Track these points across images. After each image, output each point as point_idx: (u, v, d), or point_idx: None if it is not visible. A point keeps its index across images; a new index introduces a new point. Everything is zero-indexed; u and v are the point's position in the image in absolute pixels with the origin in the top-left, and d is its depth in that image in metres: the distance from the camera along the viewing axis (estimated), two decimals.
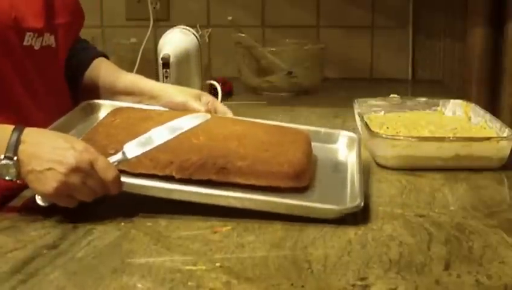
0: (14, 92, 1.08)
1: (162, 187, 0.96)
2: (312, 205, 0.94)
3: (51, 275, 0.77)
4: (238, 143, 1.04)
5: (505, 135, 1.18)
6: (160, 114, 1.14)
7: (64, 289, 0.74)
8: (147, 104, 1.25)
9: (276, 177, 0.98)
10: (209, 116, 1.03)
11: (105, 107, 1.23)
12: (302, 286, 0.74)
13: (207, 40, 1.74)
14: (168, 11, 2.16)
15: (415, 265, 0.79)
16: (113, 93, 1.29)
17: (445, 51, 2.03)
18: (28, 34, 1.07)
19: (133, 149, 0.95)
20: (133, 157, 0.95)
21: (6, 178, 0.90)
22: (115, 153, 0.96)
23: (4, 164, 0.89)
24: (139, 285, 0.74)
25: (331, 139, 1.20)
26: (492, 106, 1.53)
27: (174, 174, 0.98)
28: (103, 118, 1.15)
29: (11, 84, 1.07)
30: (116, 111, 1.16)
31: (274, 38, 2.11)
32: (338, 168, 1.11)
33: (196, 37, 1.60)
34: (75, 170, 0.90)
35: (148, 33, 2.06)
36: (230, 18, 1.90)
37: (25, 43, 1.07)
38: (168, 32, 1.61)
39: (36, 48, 1.10)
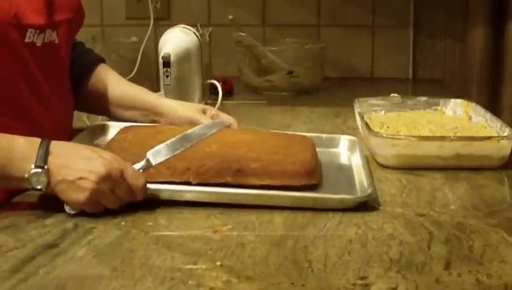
0: (20, 92, 1.08)
1: (180, 190, 0.98)
2: (326, 197, 0.99)
3: (51, 274, 0.77)
4: (248, 149, 1.08)
5: (505, 134, 1.18)
6: (171, 129, 1.17)
7: (64, 288, 0.74)
8: (153, 120, 1.29)
9: (289, 176, 1.02)
10: (225, 121, 1.08)
11: (113, 127, 1.26)
12: (303, 285, 0.74)
13: (207, 39, 1.74)
14: (169, 10, 2.16)
15: (416, 264, 0.79)
16: (117, 106, 1.32)
17: (446, 50, 2.03)
18: (30, 30, 1.07)
19: (156, 156, 0.98)
20: (156, 164, 0.97)
21: (38, 187, 0.91)
22: (132, 164, 0.98)
23: (35, 172, 0.91)
24: (139, 284, 0.74)
25: (332, 144, 1.24)
26: (492, 105, 1.53)
27: (191, 180, 1.01)
28: (114, 135, 1.18)
29: (17, 84, 1.07)
30: (126, 129, 1.19)
31: (274, 38, 2.11)
32: (342, 168, 1.16)
33: (197, 36, 1.60)
34: (106, 178, 0.91)
35: (149, 32, 2.06)
36: (230, 17, 1.90)
37: (26, 40, 1.07)
38: (168, 31, 1.61)
39: (38, 44, 1.09)
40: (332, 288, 0.74)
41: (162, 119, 1.29)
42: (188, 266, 0.79)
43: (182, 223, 0.92)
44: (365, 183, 1.02)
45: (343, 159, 1.20)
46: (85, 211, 0.93)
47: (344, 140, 1.24)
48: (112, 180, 0.92)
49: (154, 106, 1.30)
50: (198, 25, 1.68)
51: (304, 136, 1.21)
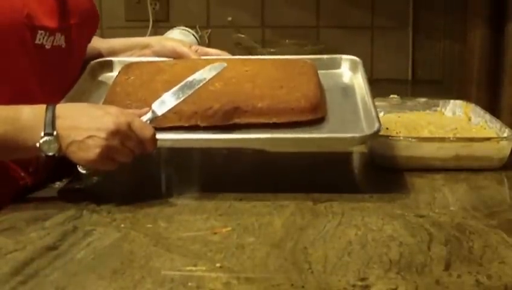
0: (32, 95, 1.06)
1: (191, 138, 1.00)
2: (336, 136, 1.00)
3: (50, 276, 0.77)
4: (252, 84, 1.08)
5: (505, 135, 1.18)
6: (171, 65, 1.16)
7: None
8: (141, 55, 1.31)
9: (295, 112, 1.03)
10: (225, 64, 1.06)
11: (115, 64, 1.27)
12: (303, 287, 0.74)
13: (207, 40, 1.74)
14: (168, 12, 2.16)
15: (415, 265, 0.79)
16: (108, 55, 1.33)
17: (445, 51, 2.03)
18: (40, 32, 1.06)
19: (160, 106, 0.99)
20: (162, 114, 0.99)
21: (49, 154, 0.93)
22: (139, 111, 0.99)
23: (46, 140, 0.93)
24: (139, 286, 0.74)
25: (334, 65, 1.24)
26: (492, 106, 1.53)
27: (199, 123, 1.02)
28: (116, 77, 1.18)
29: (29, 85, 1.06)
30: (127, 69, 1.19)
31: (274, 39, 2.11)
32: (347, 92, 1.15)
33: (196, 37, 1.60)
34: (115, 133, 0.93)
35: (148, 34, 2.06)
36: (230, 19, 1.90)
37: (36, 42, 1.06)
38: (167, 33, 1.61)
39: (47, 47, 1.08)
40: (332, 289, 0.74)
41: (148, 50, 1.32)
42: (188, 268, 0.79)
43: (182, 224, 0.92)
44: (371, 114, 1.01)
45: (346, 80, 1.19)
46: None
47: (346, 60, 1.24)
48: (121, 135, 0.94)
49: (140, 40, 1.35)
50: (197, 26, 1.68)
51: (305, 62, 1.19)
